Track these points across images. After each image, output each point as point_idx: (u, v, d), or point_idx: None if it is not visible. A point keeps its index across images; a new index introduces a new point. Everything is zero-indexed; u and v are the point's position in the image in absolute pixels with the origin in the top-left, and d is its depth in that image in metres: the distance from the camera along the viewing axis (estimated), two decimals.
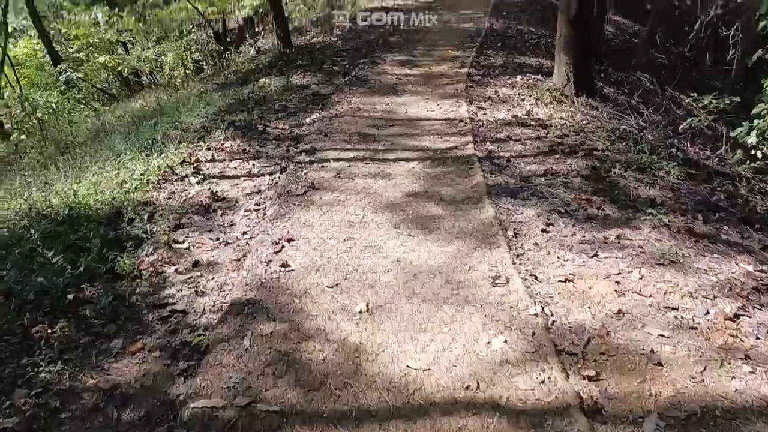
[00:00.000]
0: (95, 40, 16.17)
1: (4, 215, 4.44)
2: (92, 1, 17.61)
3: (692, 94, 5.93)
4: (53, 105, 10.79)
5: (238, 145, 5.82)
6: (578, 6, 6.74)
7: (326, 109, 6.79)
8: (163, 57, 14.67)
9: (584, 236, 3.90)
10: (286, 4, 15.41)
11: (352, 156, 5.35)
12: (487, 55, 8.75)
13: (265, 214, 4.41)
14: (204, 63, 15.06)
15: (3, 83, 13.68)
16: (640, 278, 3.32)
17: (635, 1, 16.30)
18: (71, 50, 16.88)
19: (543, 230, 3.99)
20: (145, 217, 4.45)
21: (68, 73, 13.77)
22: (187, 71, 14.02)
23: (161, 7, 15.82)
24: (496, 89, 7.24)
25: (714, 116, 6.39)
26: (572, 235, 3.92)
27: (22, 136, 10.17)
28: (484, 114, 6.38)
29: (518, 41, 9.79)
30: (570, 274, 3.38)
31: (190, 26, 16.13)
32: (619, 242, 3.78)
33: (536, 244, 3.78)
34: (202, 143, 5.89)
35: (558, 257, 3.59)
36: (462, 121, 6.11)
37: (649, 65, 12.02)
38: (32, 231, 3.83)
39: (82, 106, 12.07)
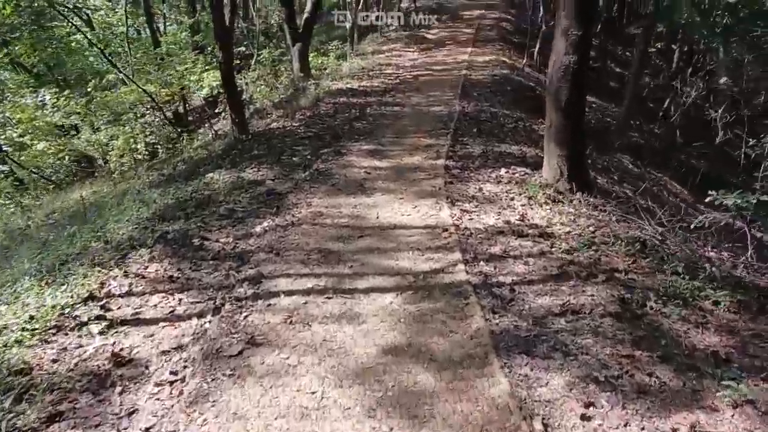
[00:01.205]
0: (41, 123, 14.84)
1: None
2: (40, 83, 16.45)
3: (711, 192, 4.90)
4: None
5: (165, 270, 4.46)
6: (571, 91, 5.80)
7: (281, 214, 5.53)
8: (113, 141, 13.41)
9: (643, 427, 2.62)
10: (246, 84, 14.49)
11: (310, 286, 4.04)
12: (463, 143, 7.75)
13: (181, 392, 3.01)
14: (159, 147, 13.87)
15: None
16: None
17: (601, 80, 16.00)
18: (15, 134, 15.48)
19: (583, 416, 2.71)
20: (11, 399, 3.03)
21: None
22: (136, 157, 12.73)
23: (110, 89, 14.68)
24: (479, 186, 6.14)
25: (733, 213, 5.38)
26: (625, 425, 2.64)
27: None
28: (471, 219, 5.21)
29: (494, 126, 8.89)
30: None
31: (145, 108, 15.01)
32: None
33: None
34: (119, 268, 4.51)
35: None
36: (446, 229, 4.92)
37: (628, 146, 11.31)
38: None
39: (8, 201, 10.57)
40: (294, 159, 7.49)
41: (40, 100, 14.69)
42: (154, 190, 7.26)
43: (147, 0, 15.85)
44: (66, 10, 17.45)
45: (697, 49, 16.43)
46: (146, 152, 14.01)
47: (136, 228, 5.53)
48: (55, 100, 14.37)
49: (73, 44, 16.85)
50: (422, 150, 7.50)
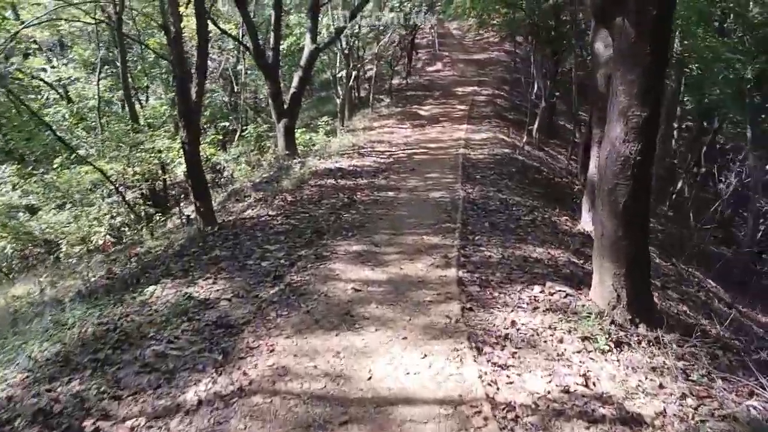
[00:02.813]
0: None
1: None
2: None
3: None
4: None
5: None
6: (633, 191, 4.14)
7: (228, 368, 3.66)
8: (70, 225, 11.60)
9: None
10: (226, 162, 12.90)
11: None
12: (475, 243, 6.04)
13: None
14: (126, 231, 12.07)
15: None
16: None
17: None
18: None
19: None
20: None
21: None
22: (89, 246, 10.88)
23: (67, 167, 12.83)
24: (510, 315, 4.34)
25: None
26: None
27: None
28: (510, 383, 3.38)
29: (508, 218, 7.24)
30: None
31: (112, 187, 13.30)
32: None
33: None
34: None
35: None
36: (475, 408, 3.07)
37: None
38: None
39: None
40: (263, 264, 5.69)
41: None
42: (80, 305, 5.38)
43: (125, 72, 14.47)
44: (43, 83, 16.19)
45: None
46: (111, 238, 12.20)
47: (19, 386, 3.65)
48: (14, 178, 12.68)
49: (47, 118, 15.39)
50: (426, 252, 5.76)
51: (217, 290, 5.11)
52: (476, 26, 16.76)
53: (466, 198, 8.17)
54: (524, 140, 14.09)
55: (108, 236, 12.30)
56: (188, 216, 10.53)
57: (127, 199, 13.19)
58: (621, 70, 4.05)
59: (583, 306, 4.51)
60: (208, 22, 13.01)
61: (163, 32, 16.17)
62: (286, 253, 5.96)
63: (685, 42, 12.44)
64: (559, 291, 4.76)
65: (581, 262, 5.87)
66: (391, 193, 8.69)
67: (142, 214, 13.00)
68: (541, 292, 4.75)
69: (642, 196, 4.22)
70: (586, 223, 7.27)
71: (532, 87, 16.49)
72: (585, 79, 12.21)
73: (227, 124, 16.62)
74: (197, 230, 7.65)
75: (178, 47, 7.13)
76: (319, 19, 14.70)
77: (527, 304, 4.55)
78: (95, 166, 9.81)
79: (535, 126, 15.08)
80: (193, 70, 7.75)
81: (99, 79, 13.60)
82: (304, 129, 16.38)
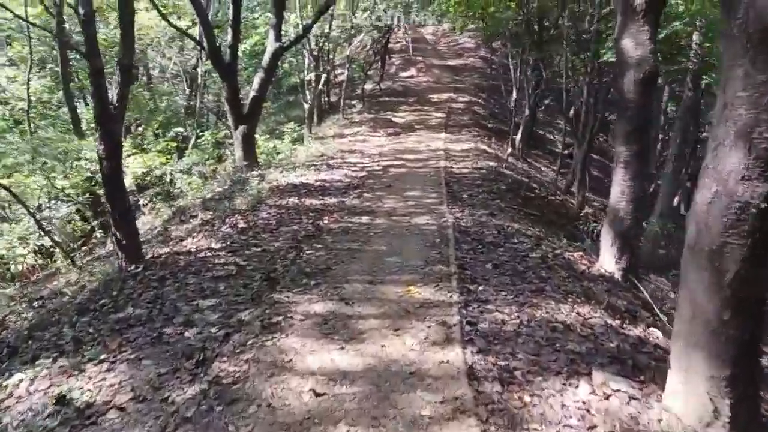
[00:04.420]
0: None
1: None
2: None
3: None
4: None
5: None
6: (752, 256, 2.56)
7: None
8: None
9: None
10: (172, 174, 10.96)
11: None
12: (480, 299, 4.40)
13: None
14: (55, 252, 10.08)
15: None
16: None
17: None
18: None
19: None
20: None
21: None
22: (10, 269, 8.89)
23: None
24: None
25: None
26: None
27: None
28: None
29: (512, 255, 5.63)
30: None
31: (48, 199, 11.23)
32: None
33: None
34: None
35: None
36: None
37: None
38: None
39: None
40: (186, 335, 3.90)
41: None
42: None
43: (65, 70, 12.37)
44: None
45: None
46: (41, 261, 10.16)
47: None
48: None
49: None
50: (415, 315, 4.07)
51: (111, 386, 3.30)
52: (460, 26, 15.19)
53: (457, 226, 6.54)
54: (508, 152, 12.59)
55: (35, 260, 10.26)
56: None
57: (61, 214, 11.15)
58: (743, 68, 2.45)
59: (660, 421, 2.90)
60: (156, 14, 11.10)
61: (110, 25, 14.11)
62: (222, 316, 4.18)
63: None
64: (617, 391, 3.13)
65: (622, 325, 4.29)
66: (364, 219, 6.99)
67: (77, 233, 11.00)
68: (591, 393, 3.11)
69: (765, 263, 2.63)
70: (606, 261, 5.72)
71: (512, 94, 15.07)
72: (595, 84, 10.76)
73: (181, 129, 14.57)
74: (118, 268, 5.80)
75: (89, 33, 5.28)
76: (285, 16, 12.91)
77: (577, 418, 2.90)
78: (6, 188, 7.71)
79: (518, 136, 13.62)
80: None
81: (29, 79, 11.45)
82: (268, 136, 14.57)
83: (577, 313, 4.30)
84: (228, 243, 6.13)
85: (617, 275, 5.65)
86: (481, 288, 4.64)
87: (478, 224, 6.73)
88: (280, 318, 4.05)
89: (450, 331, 3.78)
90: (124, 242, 5.69)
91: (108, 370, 3.49)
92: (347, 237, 6.19)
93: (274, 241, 6.09)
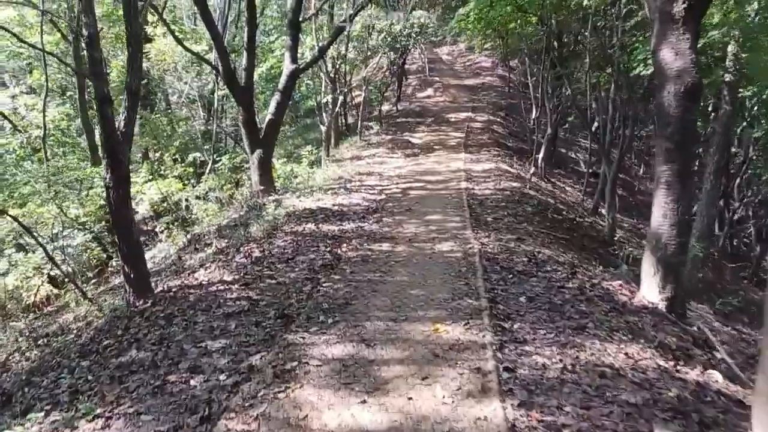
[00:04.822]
0: None
1: None
2: None
3: None
4: None
5: None
6: None
7: None
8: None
9: None
10: (187, 200, 10.71)
11: None
12: (516, 339, 3.90)
13: None
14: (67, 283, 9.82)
15: None
16: None
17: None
18: None
19: None
20: None
21: None
22: (21, 303, 8.65)
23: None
24: None
25: None
26: None
27: None
28: None
29: (547, 286, 5.14)
30: None
31: (63, 226, 11.05)
32: None
33: None
34: None
35: None
36: None
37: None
38: None
39: None
40: (191, 383, 3.50)
41: None
42: None
43: (83, 97, 12.34)
44: None
45: None
46: (55, 292, 9.92)
47: None
48: None
49: None
50: (445, 360, 3.61)
51: None
52: (479, 44, 14.88)
53: (483, 253, 6.09)
54: (531, 171, 12.12)
55: (49, 291, 10.03)
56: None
57: (77, 242, 10.95)
58: None
59: None
60: (173, 39, 11.00)
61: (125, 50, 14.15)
62: (231, 360, 3.78)
63: None
64: None
65: (676, 366, 3.78)
66: (385, 246, 6.58)
67: (93, 261, 10.78)
68: None
69: None
70: (648, 291, 5.20)
71: (531, 112, 14.65)
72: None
73: (199, 154, 14.42)
74: (126, 304, 5.47)
75: (93, 55, 5.03)
76: (301, 38, 12.75)
77: None
78: (6, 213, 7.50)
79: (541, 155, 13.17)
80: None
81: (45, 106, 11.40)
82: (285, 159, 14.35)
83: (626, 354, 3.81)
84: (241, 275, 5.76)
85: (661, 306, 5.13)
86: (516, 326, 4.17)
87: (506, 251, 6.27)
88: (295, 363, 3.63)
89: (486, 380, 3.32)
90: (132, 275, 5.37)
91: (102, 428, 3.10)
92: (367, 267, 5.78)
93: (289, 272, 5.71)
